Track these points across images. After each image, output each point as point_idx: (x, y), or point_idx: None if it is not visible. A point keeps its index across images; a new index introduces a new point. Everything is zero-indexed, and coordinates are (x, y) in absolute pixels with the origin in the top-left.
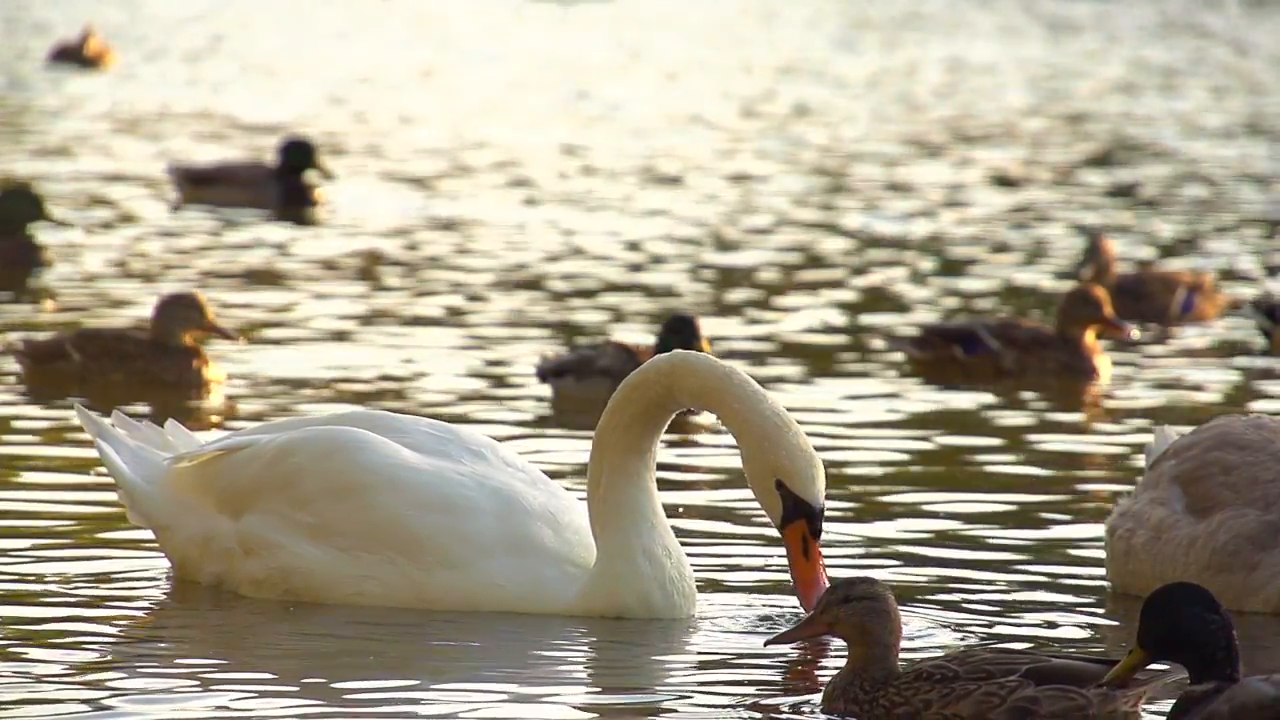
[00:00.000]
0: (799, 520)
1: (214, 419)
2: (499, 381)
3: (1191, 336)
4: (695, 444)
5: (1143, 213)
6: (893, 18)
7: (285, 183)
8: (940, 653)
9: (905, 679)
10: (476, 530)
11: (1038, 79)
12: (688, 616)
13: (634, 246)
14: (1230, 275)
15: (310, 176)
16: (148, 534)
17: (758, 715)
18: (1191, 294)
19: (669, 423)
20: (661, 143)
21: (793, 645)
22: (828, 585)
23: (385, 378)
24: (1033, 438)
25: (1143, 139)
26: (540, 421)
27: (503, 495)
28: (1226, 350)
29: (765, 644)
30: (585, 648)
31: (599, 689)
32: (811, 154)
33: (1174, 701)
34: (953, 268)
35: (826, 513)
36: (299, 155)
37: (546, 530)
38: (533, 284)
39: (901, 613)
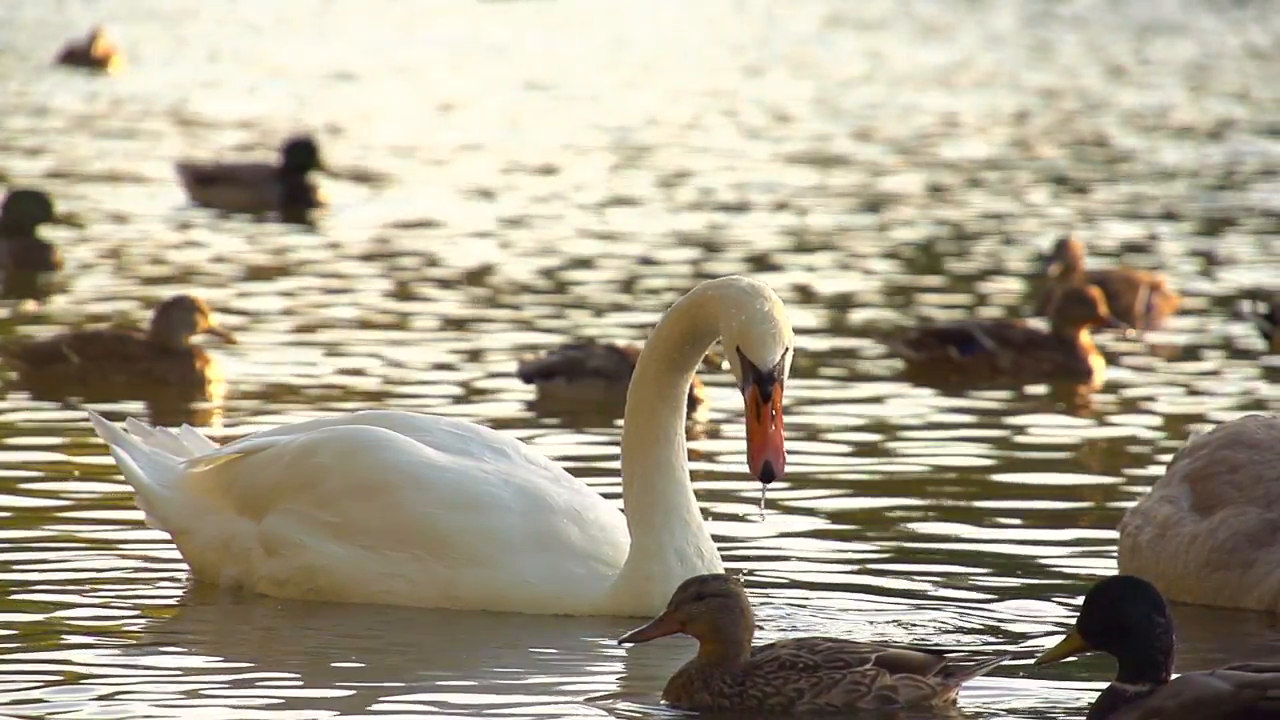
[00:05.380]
0: (754, 385)
1: (217, 420)
2: (482, 383)
3: (1183, 336)
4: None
5: (1095, 213)
6: (866, 17)
7: (288, 182)
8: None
9: (769, 668)
10: (503, 528)
11: (1010, 77)
12: None
13: (614, 247)
14: (1177, 275)
15: (313, 176)
16: (155, 536)
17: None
18: (1151, 294)
19: (687, 395)
20: (640, 141)
21: (647, 643)
22: (781, 453)
23: (379, 379)
24: (1030, 438)
25: (1106, 138)
26: (535, 423)
27: (528, 493)
28: (1224, 350)
29: (619, 642)
30: (612, 646)
31: (624, 688)
32: (791, 154)
33: (1098, 696)
34: (923, 269)
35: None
36: (302, 155)
37: (573, 528)
38: (511, 284)
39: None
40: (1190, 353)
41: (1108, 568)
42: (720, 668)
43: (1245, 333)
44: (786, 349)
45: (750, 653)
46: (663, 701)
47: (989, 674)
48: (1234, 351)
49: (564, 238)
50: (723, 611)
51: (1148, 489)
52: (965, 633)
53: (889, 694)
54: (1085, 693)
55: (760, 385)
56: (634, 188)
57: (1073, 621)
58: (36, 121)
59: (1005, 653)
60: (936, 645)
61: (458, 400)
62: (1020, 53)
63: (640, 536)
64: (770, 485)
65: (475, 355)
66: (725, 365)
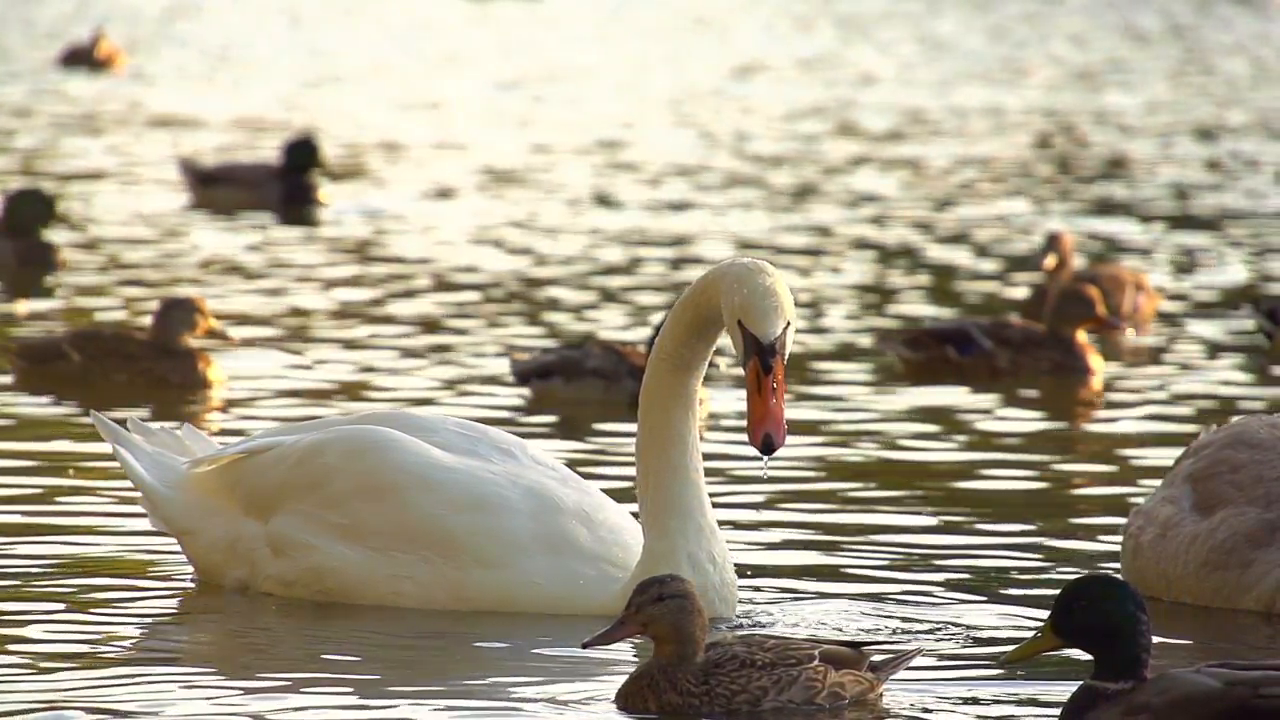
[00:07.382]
0: (755, 357)
1: (217, 420)
2: (479, 384)
3: (1180, 335)
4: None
5: (1083, 211)
6: (836, 14)
7: (288, 182)
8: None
9: (730, 666)
10: (512, 529)
11: (990, 74)
12: (729, 619)
13: (606, 246)
14: (1172, 274)
15: (313, 176)
16: (158, 536)
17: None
18: (1137, 293)
19: (698, 393)
20: (625, 140)
21: (610, 646)
22: (781, 426)
23: (378, 379)
24: (1029, 438)
25: (1084, 135)
26: (533, 424)
27: (536, 494)
28: (1225, 350)
29: (583, 645)
30: (621, 648)
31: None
32: (779, 153)
33: (1072, 694)
34: (917, 268)
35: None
36: (303, 155)
37: (582, 529)
38: (507, 284)
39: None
40: (1189, 352)
41: (1108, 567)
42: (680, 667)
43: (1246, 332)
44: (788, 323)
45: (704, 650)
46: (619, 705)
47: (911, 666)
48: (1235, 351)
49: (554, 237)
50: (682, 612)
51: (1147, 489)
52: (967, 638)
53: (839, 690)
54: (1038, 684)
55: (761, 357)
56: (619, 188)
57: None
58: (37, 122)
59: (920, 649)
60: (854, 639)
61: (456, 400)
62: (1012, 51)
63: (653, 540)
64: (770, 458)
65: (473, 355)
66: (724, 366)
